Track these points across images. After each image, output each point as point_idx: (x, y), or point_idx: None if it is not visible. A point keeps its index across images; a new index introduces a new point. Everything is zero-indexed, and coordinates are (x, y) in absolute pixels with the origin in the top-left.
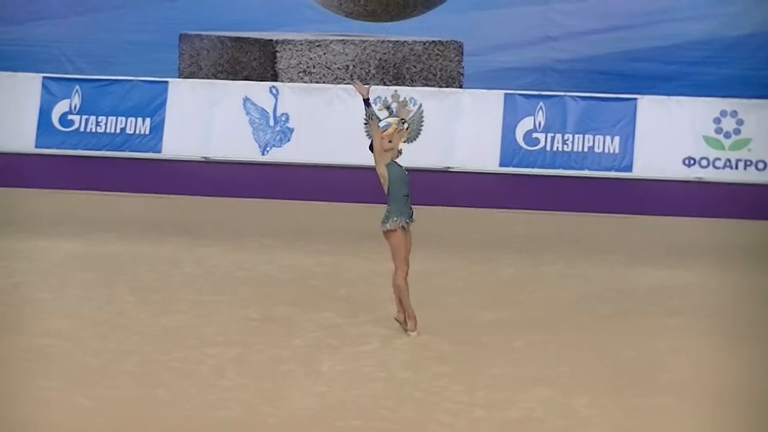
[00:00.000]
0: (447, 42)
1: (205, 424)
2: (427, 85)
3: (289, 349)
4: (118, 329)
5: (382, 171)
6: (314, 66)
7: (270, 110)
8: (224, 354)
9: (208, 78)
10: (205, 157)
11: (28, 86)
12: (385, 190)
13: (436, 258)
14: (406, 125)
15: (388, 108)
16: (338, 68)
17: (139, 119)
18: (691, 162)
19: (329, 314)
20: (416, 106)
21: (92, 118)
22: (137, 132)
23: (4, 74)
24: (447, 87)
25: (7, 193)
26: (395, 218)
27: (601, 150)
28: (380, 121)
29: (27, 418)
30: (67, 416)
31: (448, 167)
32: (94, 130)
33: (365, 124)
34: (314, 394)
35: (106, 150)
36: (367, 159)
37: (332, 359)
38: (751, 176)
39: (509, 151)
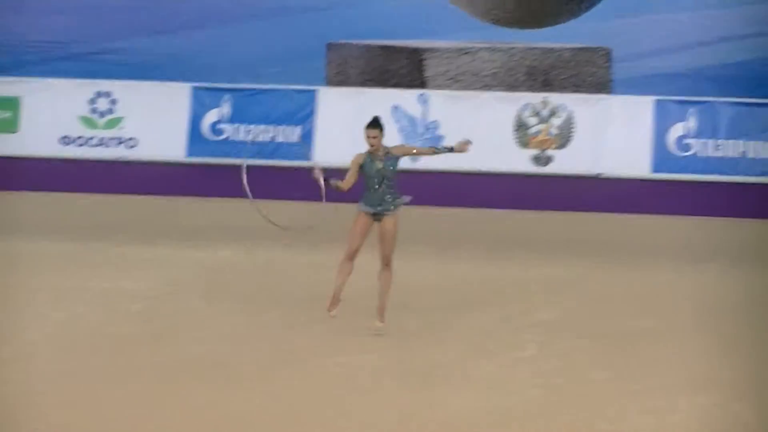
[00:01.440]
0: (595, 48)
1: (359, 429)
2: (576, 91)
3: (445, 355)
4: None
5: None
6: (462, 73)
7: (419, 118)
8: (380, 360)
9: (355, 86)
10: None
11: (178, 96)
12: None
13: (594, 267)
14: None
15: (537, 114)
16: (486, 75)
17: (289, 128)
18: None
19: (484, 320)
20: (566, 113)
21: (242, 126)
22: (287, 140)
23: (155, 84)
24: (596, 93)
25: (159, 203)
26: (360, 204)
27: (754, 155)
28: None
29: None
30: (214, 419)
31: (599, 174)
32: (244, 138)
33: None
34: (470, 400)
35: (257, 158)
36: (514, 165)
37: (489, 365)
38: None
39: (661, 157)
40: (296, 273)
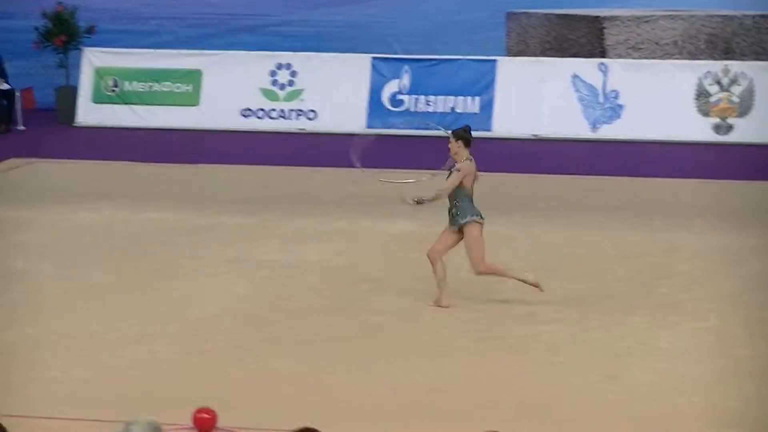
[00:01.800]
0: None
1: (541, 400)
2: (757, 59)
3: (626, 325)
4: (452, 308)
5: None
6: (643, 42)
7: (599, 87)
8: (560, 331)
9: (535, 56)
10: (535, 135)
11: (358, 67)
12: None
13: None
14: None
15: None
16: (666, 44)
17: (468, 98)
18: None
19: (666, 290)
20: (747, 81)
21: (421, 98)
22: (467, 111)
23: (335, 55)
24: None
25: (338, 174)
26: (477, 215)
27: None
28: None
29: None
30: (403, 392)
31: None
32: (423, 109)
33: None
34: (654, 370)
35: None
36: (699, 134)
37: (671, 336)
38: None
39: None
40: None
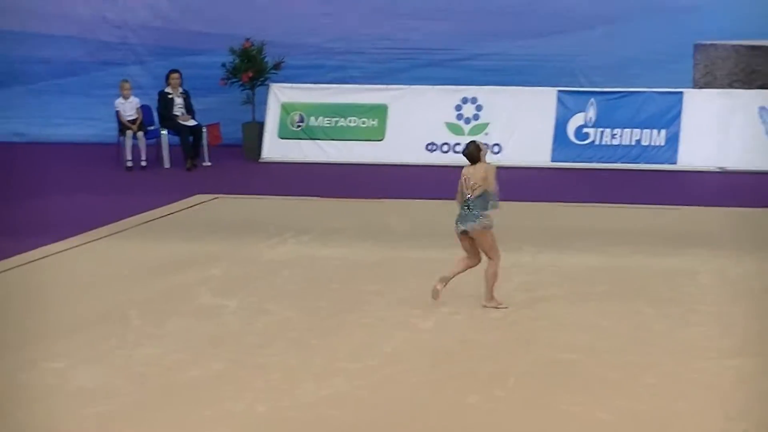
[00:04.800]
0: None
1: None
2: None
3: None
4: (637, 342)
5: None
6: None
7: None
8: (746, 365)
9: (722, 87)
10: (721, 168)
11: (544, 100)
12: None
13: None
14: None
15: None
16: None
17: (654, 131)
18: None
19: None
20: None
21: (607, 130)
22: (652, 143)
23: (521, 89)
24: None
25: (523, 208)
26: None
27: None
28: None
29: None
30: (587, 431)
31: None
32: (609, 142)
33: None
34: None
35: (621, 162)
36: None
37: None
38: None
39: None
40: (654, 276)
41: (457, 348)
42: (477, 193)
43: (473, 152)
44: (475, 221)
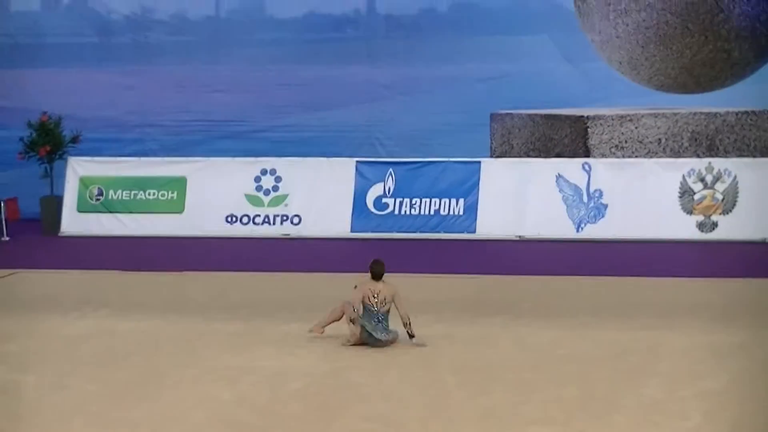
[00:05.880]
0: (761, 112)
1: None
2: (741, 155)
3: (610, 426)
4: (437, 411)
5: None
6: (626, 141)
7: (583, 187)
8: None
9: (520, 156)
10: (520, 236)
11: (342, 171)
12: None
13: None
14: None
15: (702, 180)
16: (650, 142)
17: (453, 200)
18: None
19: (650, 390)
20: (731, 178)
21: (406, 200)
22: (451, 213)
23: (320, 160)
24: (762, 157)
25: (324, 279)
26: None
27: None
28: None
29: None
30: None
31: (765, 238)
32: (408, 212)
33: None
34: None
35: (420, 232)
36: (684, 232)
37: None
38: None
39: None
40: (455, 344)
41: (257, 421)
42: (386, 308)
43: (381, 270)
44: (388, 335)
